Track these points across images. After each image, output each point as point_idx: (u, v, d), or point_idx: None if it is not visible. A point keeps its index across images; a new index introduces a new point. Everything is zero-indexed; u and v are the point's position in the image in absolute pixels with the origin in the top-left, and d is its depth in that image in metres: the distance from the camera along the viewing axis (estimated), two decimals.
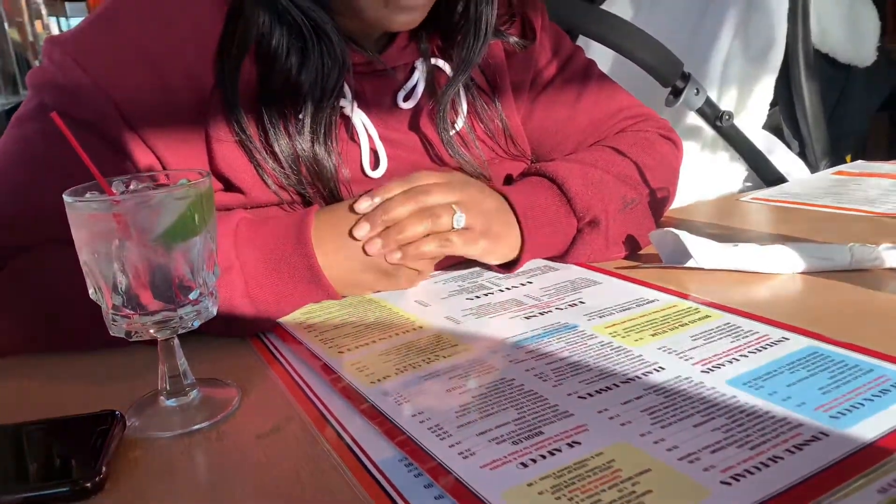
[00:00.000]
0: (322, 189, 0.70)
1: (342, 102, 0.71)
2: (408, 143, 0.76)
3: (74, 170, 0.57)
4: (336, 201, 0.70)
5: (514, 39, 0.82)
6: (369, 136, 0.73)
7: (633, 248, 0.76)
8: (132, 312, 0.48)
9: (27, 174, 0.64)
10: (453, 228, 0.67)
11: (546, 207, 0.72)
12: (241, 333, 0.63)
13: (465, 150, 0.78)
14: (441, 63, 0.78)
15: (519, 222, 0.70)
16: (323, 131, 0.69)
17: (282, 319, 0.65)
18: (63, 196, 0.47)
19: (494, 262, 0.72)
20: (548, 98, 0.85)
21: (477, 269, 0.75)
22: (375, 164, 0.74)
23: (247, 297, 0.61)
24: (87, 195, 0.48)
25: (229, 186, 0.69)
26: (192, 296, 0.49)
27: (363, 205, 0.66)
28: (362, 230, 0.65)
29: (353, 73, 0.72)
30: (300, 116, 0.68)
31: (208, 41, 0.66)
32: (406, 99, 0.76)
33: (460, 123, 0.78)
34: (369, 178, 0.74)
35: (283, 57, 0.67)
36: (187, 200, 0.47)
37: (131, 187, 0.50)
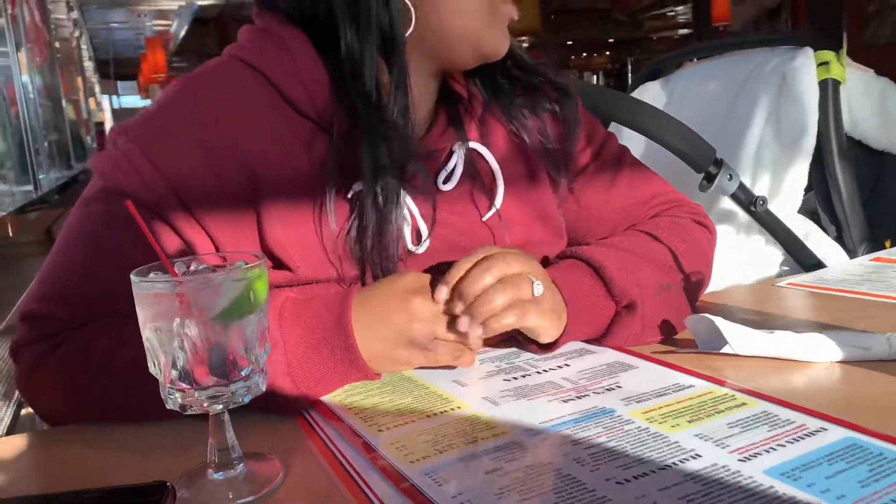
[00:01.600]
0: (382, 260, 0.72)
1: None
2: (447, 224, 0.79)
3: (132, 251, 0.61)
4: (389, 275, 0.73)
5: (549, 125, 0.85)
6: (411, 215, 0.76)
7: (668, 333, 0.77)
8: (187, 387, 0.50)
9: (88, 253, 0.69)
10: (533, 296, 0.69)
11: (586, 291, 0.74)
12: (281, 411, 0.65)
13: (502, 233, 0.81)
14: (478, 146, 0.81)
15: (566, 304, 0.72)
16: (379, 201, 0.72)
17: (326, 398, 0.67)
18: (130, 275, 0.50)
19: (549, 339, 0.72)
20: (582, 184, 0.88)
21: (514, 349, 0.76)
22: (417, 242, 0.77)
23: (289, 377, 0.64)
24: (152, 275, 0.51)
25: (278, 265, 0.72)
26: (244, 372, 0.51)
27: (441, 294, 0.67)
28: (442, 293, 0.67)
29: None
30: (364, 188, 0.71)
31: (261, 125, 0.71)
32: (445, 181, 0.80)
33: (498, 204, 0.81)
34: (412, 253, 0.76)
35: (378, 114, 0.71)
36: (245, 282, 0.50)
37: (192, 268, 0.53)
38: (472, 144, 0.81)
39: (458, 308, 0.67)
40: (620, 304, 0.74)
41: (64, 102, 7.39)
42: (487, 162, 0.82)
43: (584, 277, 0.75)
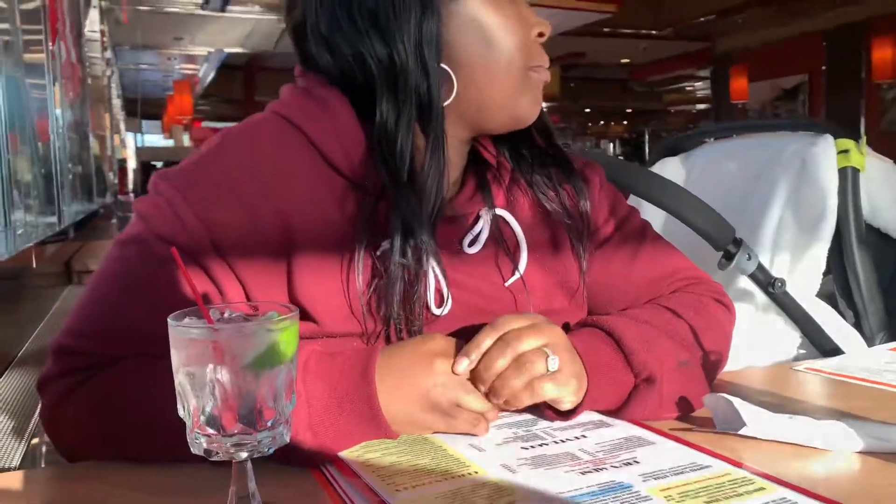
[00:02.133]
0: (406, 320, 0.74)
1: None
2: (470, 287, 0.80)
3: (167, 293, 0.63)
4: (411, 334, 0.74)
5: (573, 196, 0.86)
6: (436, 277, 0.77)
7: (686, 410, 0.77)
8: (214, 433, 0.51)
9: (123, 292, 0.70)
10: (548, 371, 0.69)
11: (606, 361, 0.74)
12: (299, 464, 0.65)
13: (524, 299, 0.82)
14: (504, 213, 0.83)
15: (587, 371, 0.72)
16: (407, 260, 0.73)
17: (344, 454, 0.67)
18: (168, 319, 0.51)
19: (568, 406, 0.72)
20: (604, 255, 0.89)
21: (531, 417, 0.76)
22: (440, 303, 0.78)
23: (310, 431, 0.64)
24: (187, 320, 0.52)
25: (304, 316, 0.73)
26: (270, 422, 0.52)
27: (461, 367, 0.68)
28: (462, 365, 0.68)
29: None
30: (393, 248, 0.73)
31: (297, 180, 0.73)
32: (471, 245, 0.81)
33: (521, 270, 0.82)
34: (434, 315, 0.77)
35: (413, 177, 0.74)
36: (277, 332, 0.51)
37: (226, 315, 0.54)
38: (499, 211, 0.83)
39: (480, 388, 0.69)
40: (640, 377, 0.74)
41: (91, 137, 7.54)
42: (512, 228, 0.83)
43: (604, 347, 0.76)
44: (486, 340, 0.69)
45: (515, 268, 0.82)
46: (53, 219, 3.28)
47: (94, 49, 8.15)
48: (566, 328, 0.84)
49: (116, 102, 12.65)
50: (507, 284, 0.82)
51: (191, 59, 11.97)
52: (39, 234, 2.53)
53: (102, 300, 0.71)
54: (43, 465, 1.17)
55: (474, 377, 0.69)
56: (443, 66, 0.74)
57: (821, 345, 1.25)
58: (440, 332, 0.75)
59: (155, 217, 0.71)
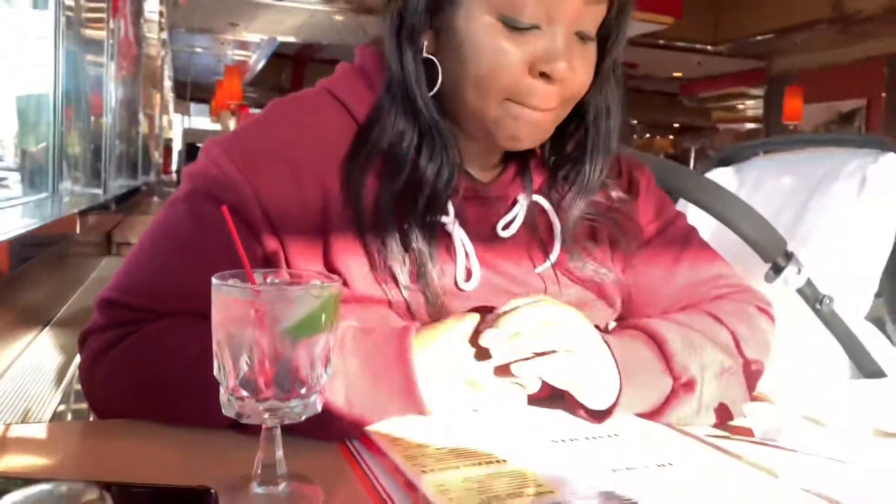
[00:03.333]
0: (424, 289, 0.73)
1: (444, 219, 0.76)
2: (499, 269, 0.79)
3: (214, 253, 0.63)
4: (435, 304, 0.73)
5: (616, 194, 0.85)
6: (466, 253, 0.77)
7: (723, 418, 0.75)
8: (248, 395, 0.50)
9: (170, 249, 0.72)
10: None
11: (644, 362, 0.73)
12: (330, 436, 0.64)
13: (555, 288, 0.80)
14: (542, 200, 0.82)
15: (618, 371, 0.71)
16: (429, 233, 0.74)
17: (371, 431, 0.66)
18: (212, 279, 0.51)
19: (597, 405, 0.71)
20: (646, 256, 0.87)
21: (564, 413, 0.75)
22: (468, 279, 0.77)
23: (346, 404, 0.64)
24: (231, 281, 0.52)
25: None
26: (303, 390, 0.51)
27: (487, 338, 0.67)
28: (487, 337, 0.66)
29: (460, 195, 0.78)
30: (413, 219, 0.74)
31: (338, 151, 0.75)
32: (505, 228, 0.80)
33: (553, 258, 0.81)
34: (462, 290, 0.77)
35: (408, 158, 0.75)
36: (321, 300, 0.51)
37: (269, 280, 0.54)
38: (536, 197, 0.82)
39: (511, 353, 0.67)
40: (679, 381, 0.72)
41: (140, 116, 7.69)
42: (548, 216, 0.82)
43: (643, 349, 0.74)
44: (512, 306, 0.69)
45: (547, 256, 0.81)
46: (98, 191, 3.35)
47: (152, 29, 8.31)
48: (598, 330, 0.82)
49: (168, 84, 12.89)
50: (537, 271, 0.81)
51: (243, 45, 12.13)
52: (83, 204, 2.58)
53: (150, 257, 0.73)
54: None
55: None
56: (428, 55, 0.74)
57: (864, 366, 1.21)
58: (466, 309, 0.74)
59: (205, 177, 0.72)
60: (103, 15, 3.91)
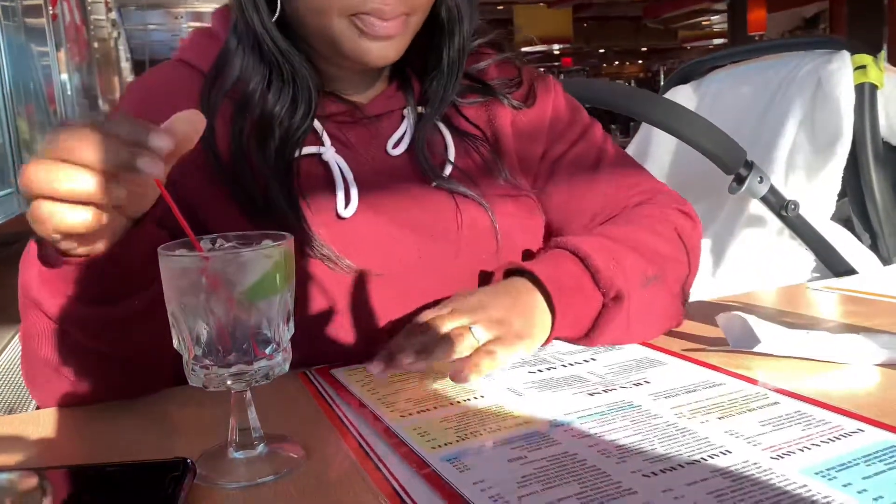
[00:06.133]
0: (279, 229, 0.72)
1: (321, 149, 0.75)
2: (394, 189, 0.77)
3: None
4: (300, 242, 0.71)
5: (511, 102, 0.83)
6: (344, 179, 0.75)
7: (657, 329, 0.75)
8: (211, 364, 0.50)
9: None
10: (478, 342, 0.65)
11: (571, 279, 0.71)
12: None
13: (457, 197, 0.78)
14: (426, 111, 0.80)
15: (549, 296, 0.69)
16: (283, 171, 0.72)
17: (347, 383, 0.66)
18: (158, 250, 0.50)
19: (538, 347, 0.71)
20: (563, 171, 0.86)
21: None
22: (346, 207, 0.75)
23: None
24: (178, 251, 0.51)
25: (194, 216, 0.69)
26: (268, 350, 0.51)
27: (375, 370, 0.64)
28: (376, 369, 0.63)
29: (335, 121, 0.77)
30: (265, 156, 0.72)
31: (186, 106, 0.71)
32: (396, 146, 0.79)
33: (449, 168, 0.79)
34: (342, 218, 0.74)
35: (258, 97, 0.74)
36: (272, 259, 0.50)
37: (217, 245, 0.53)
38: (422, 108, 0.80)
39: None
40: (608, 297, 0.71)
41: (100, 101, 7.52)
42: (439, 128, 0.81)
43: (569, 267, 0.72)
44: (401, 338, 0.66)
45: (441, 164, 0.79)
46: None
47: (99, 11, 8.07)
48: (529, 254, 0.81)
49: (125, 66, 12.58)
50: (434, 184, 0.78)
51: (198, 16, 11.81)
52: None
53: None
54: None
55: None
56: None
57: (835, 266, 1.22)
58: (359, 242, 0.74)
59: None
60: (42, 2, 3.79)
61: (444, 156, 0.80)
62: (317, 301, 0.73)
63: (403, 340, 0.65)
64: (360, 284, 0.74)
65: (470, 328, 0.65)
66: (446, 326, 0.66)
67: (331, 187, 0.75)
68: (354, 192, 0.75)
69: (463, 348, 0.64)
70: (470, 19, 0.79)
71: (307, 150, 0.75)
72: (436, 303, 0.71)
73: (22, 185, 0.49)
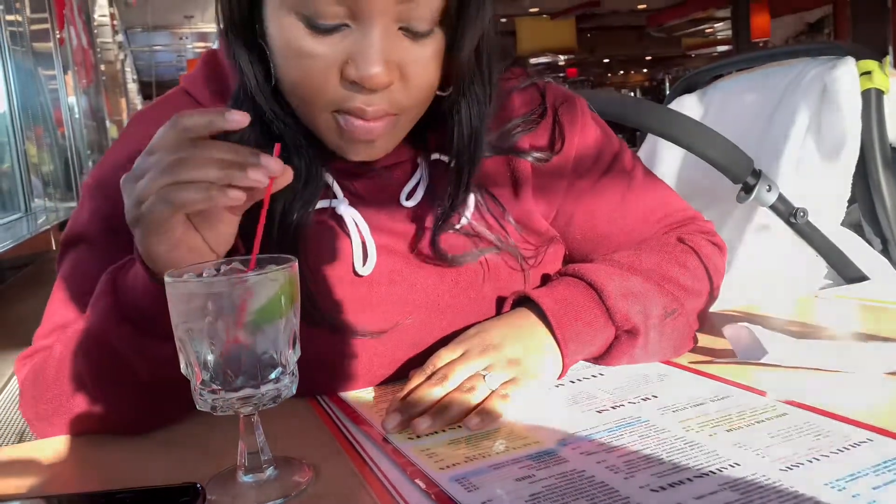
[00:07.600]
0: (309, 285, 0.68)
1: (333, 202, 0.71)
2: (408, 241, 0.74)
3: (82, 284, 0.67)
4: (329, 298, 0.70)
5: (533, 156, 0.77)
6: (360, 234, 0.71)
7: (669, 355, 0.74)
8: (219, 388, 0.50)
9: (60, 298, 0.72)
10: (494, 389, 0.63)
11: (580, 308, 0.70)
12: None
13: (468, 247, 0.74)
14: (444, 158, 0.74)
15: (558, 341, 0.68)
16: (291, 236, 0.67)
17: (354, 403, 0.66)
18: (165, 276, 0.50)
19: (556, 377, 0.69)
20: (587, 201, 0.82)
21: None
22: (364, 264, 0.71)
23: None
24: (185, 276, 0.51)
25: None
26: (273, 375, 0.51)
27: (389, 424, 0.61)
28: (391, 422, 0.61)
29: (347, 174, 0.72)
30: (274, 218, 0.67)
31: None
32: (409, 197, 0.74)
33: (465, 220, 0.74)
34: (359, 276, 0.71)
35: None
36: (278, 283, 0.50)
37: (222, 269, 0.54)
38: (434, 155, 0.74)
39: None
40: (621, 329, 0.71)
41: (108, 123, 7.59)
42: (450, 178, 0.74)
43: (579, 295, 0.71)
44: (411, 386, 0.65)
45: (458, 219, 0.73)
46: (73, 203, 3.33)
47: (105, 34, 8.16)
48: (545, 279, 0.79)
49: (132, 87, 12.71)
50: (455, 230, 0.73)
51: (202, 36, 11.93)
52: (60, 218, 2.57)
53: (49, 305, 0.73)
54: None
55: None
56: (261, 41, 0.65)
57: (846, 273, 1.21)
58: (378, 301, 0.71)
59: (71, 220, 0.73)
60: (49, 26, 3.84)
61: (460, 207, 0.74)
62: (328, 340, 0.70)
63: (416, 395, 0.63)
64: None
65: (483, 377, 0.64)
66: (459, 375, 0.64)
67: (345, 243, 0.71)
68: (372, 248, 0.71)
69: (477, 400, 0.62)
70: (483, 116, 0.71)
71: (319, 203, 0.70)
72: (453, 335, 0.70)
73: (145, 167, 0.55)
